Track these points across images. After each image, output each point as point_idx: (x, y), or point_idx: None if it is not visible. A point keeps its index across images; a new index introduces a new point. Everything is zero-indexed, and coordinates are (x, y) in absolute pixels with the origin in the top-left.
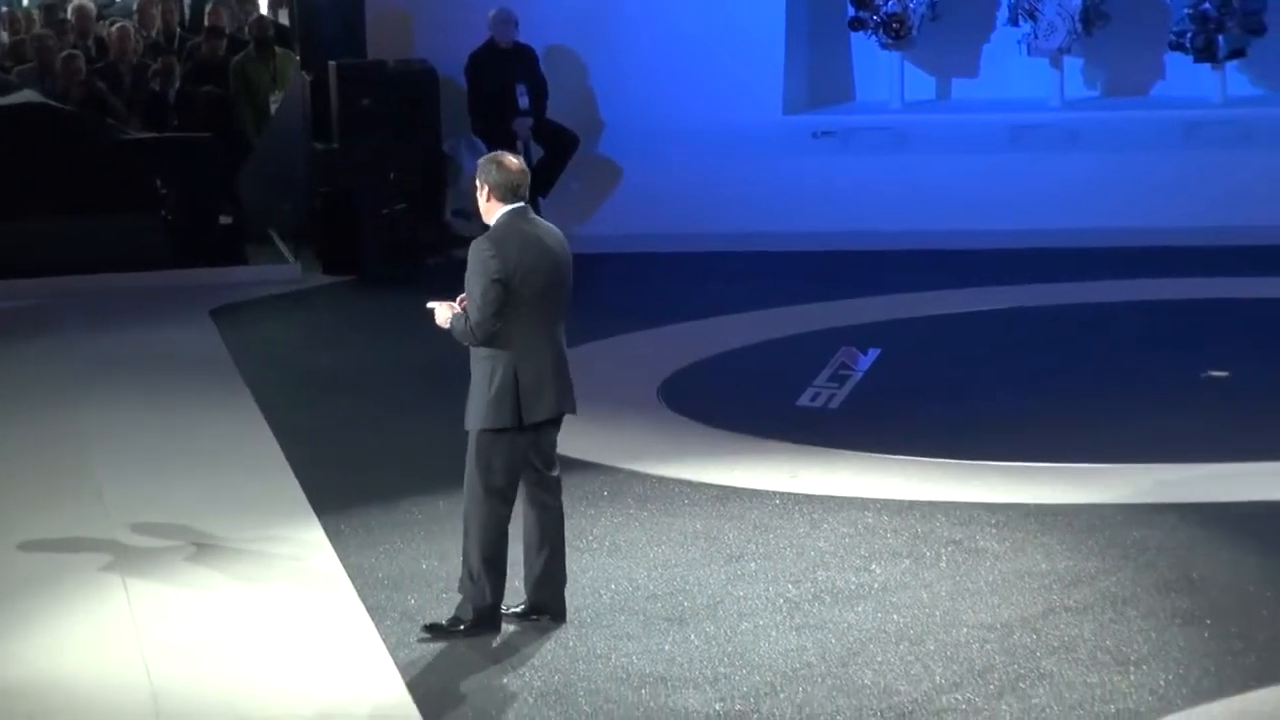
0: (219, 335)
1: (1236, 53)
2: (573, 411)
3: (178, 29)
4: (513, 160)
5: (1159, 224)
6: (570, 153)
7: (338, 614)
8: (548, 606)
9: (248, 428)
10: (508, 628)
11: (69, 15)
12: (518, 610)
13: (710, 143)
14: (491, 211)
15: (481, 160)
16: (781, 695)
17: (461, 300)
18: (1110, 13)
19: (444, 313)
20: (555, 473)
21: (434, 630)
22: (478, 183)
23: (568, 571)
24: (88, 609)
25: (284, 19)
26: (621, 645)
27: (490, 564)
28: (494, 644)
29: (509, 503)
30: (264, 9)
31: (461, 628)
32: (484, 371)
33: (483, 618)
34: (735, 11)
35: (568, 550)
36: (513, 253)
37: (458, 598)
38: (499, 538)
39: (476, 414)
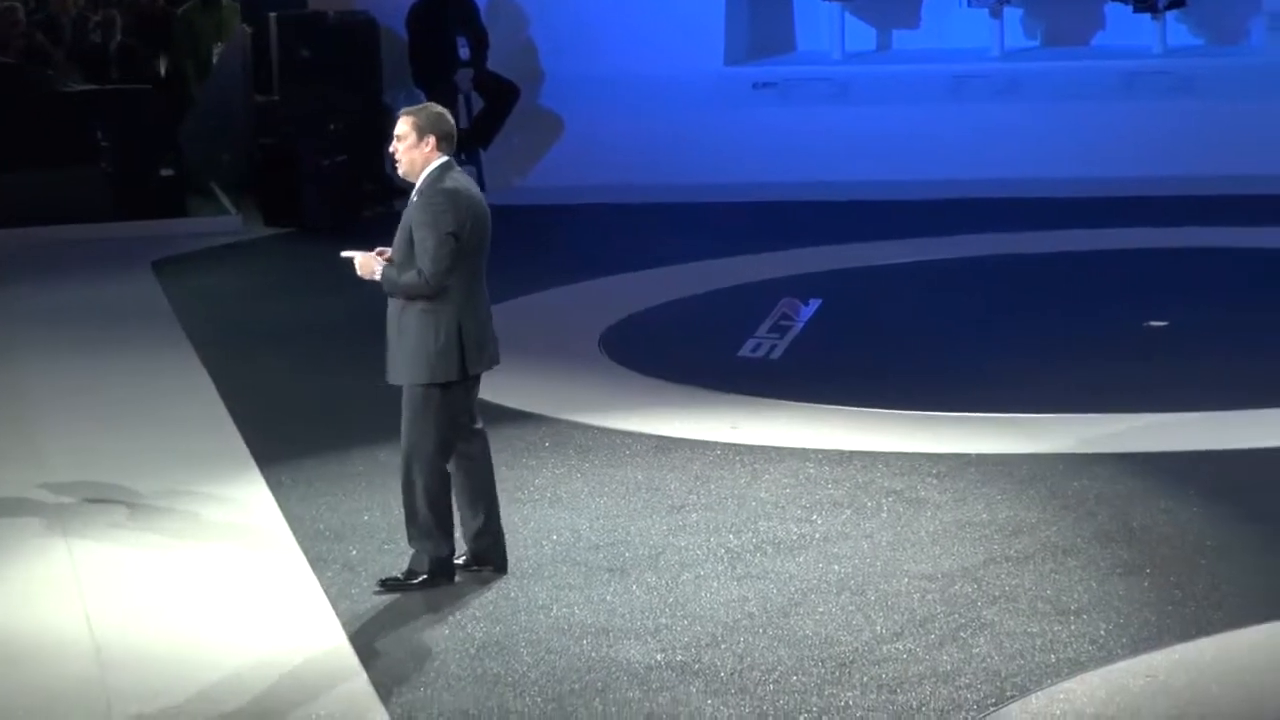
0: (160, 287)
1: (1175, 3)
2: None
3: None
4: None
5: (1099, 174)
6: (511, 104)
7: (279, 566)
8: (490, 558)
9: (189, 380)
10: None
11: None
12: (458, 562)
13: (651, 94)
14: (428, 161)
15: (421, 110)
16: (723, 646)
17: (381, 252)
18: None
19: (369, 264)
20: (480, 425)
21: (389, 584)
22: (413, 131)
23: (510, 523)
24: (29, 563)
25: None
26: (563, 596)
27: (440, 516)
28: (436, 596)
29: (450, 455)
30: None
31: (416, 581)
32: (425, 324)
33: (438, 570)
34: None
35: (510, 502)
36: (463, 206)
37: (400, 549)
38: (445, 489)
39: (419, 368)
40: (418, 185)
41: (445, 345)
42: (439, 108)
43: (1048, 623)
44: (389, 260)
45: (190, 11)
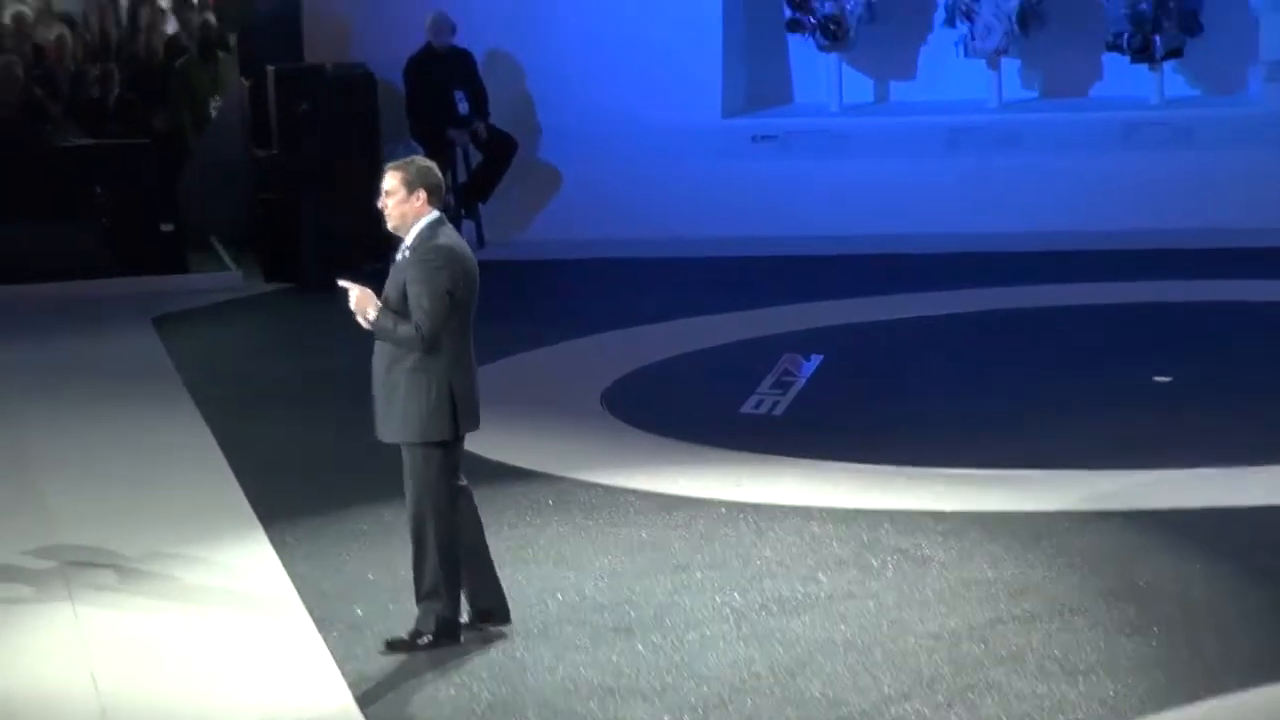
0: (161, 343)
1: (1173, 53)
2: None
3: (114, 31)
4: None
5: (1098, 226)
6: (509, 158)
7: (284, 626)
8: (494, 612)
9: (191, 437)
10: None
11: (7, 21)
12: (464, 622)
13: (649, 147)
14: (418, 215)
15: (409, 163)
16: (730, 707)
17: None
18: (1047, 13)
19: (365, 303)
20: (464, 481)
21: (395, 645)
22: (402, 186)
23: (514, 582)
24: (34, 624)
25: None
26: (569, 656)
27: (450, 575)
28: (442, 656)
29: (455, 510)
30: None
31: (422, 641)
32: (416, 382)
33: (444, 630)
34: (672, 14)
35: (514, 560)
36: (457, 263)
37: (406, 609)
38: (454, 547)
39: (413, 427)
40: (409, 240)
41: (437, 404)
42: (426, 160)
43: (1056, 683)
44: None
45: (187, 65)
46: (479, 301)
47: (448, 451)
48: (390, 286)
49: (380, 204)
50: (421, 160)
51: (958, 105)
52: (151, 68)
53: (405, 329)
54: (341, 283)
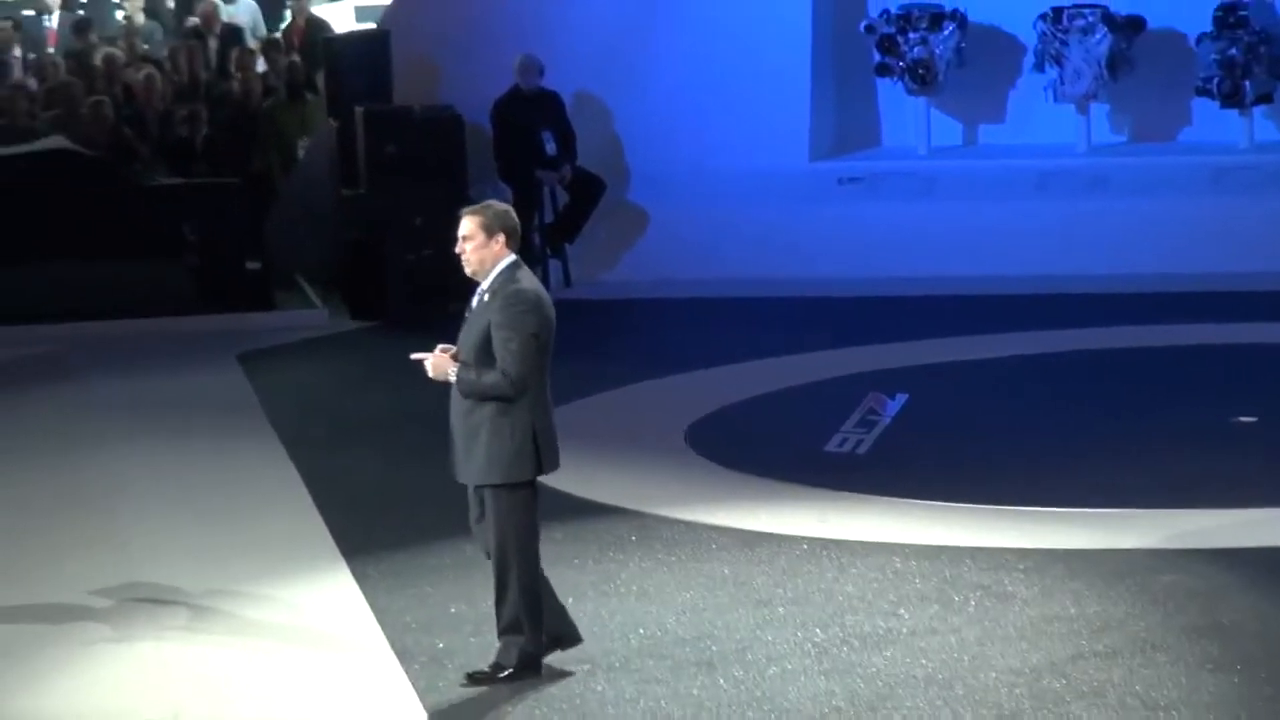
0: (246, 380)
1: (1263, 98)
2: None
3: (203, 74)
4: None
5: (1187, 269)
6: (596, 199)
7: (366, 658)
8: (564, 635)
9: (275, 472)
10: None
11: (98, 62)
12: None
13: (736, 189)
14: (497, 259)
15: (486, 208)
16: None
17: (445, 349)
18: (1136, 58)
19: (442, 366)
20: None
21: (476, 677)
22: (481, 231)
23: (597, 616)
24: (117, 654)
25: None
26: (650, 690)
27: (533, 610)
28: (522, 688)
29: (537, 548)
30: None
31: (504, 674)
32: (499, 425)
33: (526, 663)
34: (761, 58)
35: (597, 595)
36: (542, 307)
37: (487, 641)
38: (537, 583)
39: (498, 469)
40: (488, 284)
41: (521, 445)
42: (503, 204)
43: (1137, 719)
44: (454, 357)
45: (275, 107)
46: (560, 340)
47: (530, 491)
48: (469, 332)
49: (458, 249)
50: (498, 204)
51: (1046, 149)
52: (243, 109)
53: (490, 378)
54: (414, 356)
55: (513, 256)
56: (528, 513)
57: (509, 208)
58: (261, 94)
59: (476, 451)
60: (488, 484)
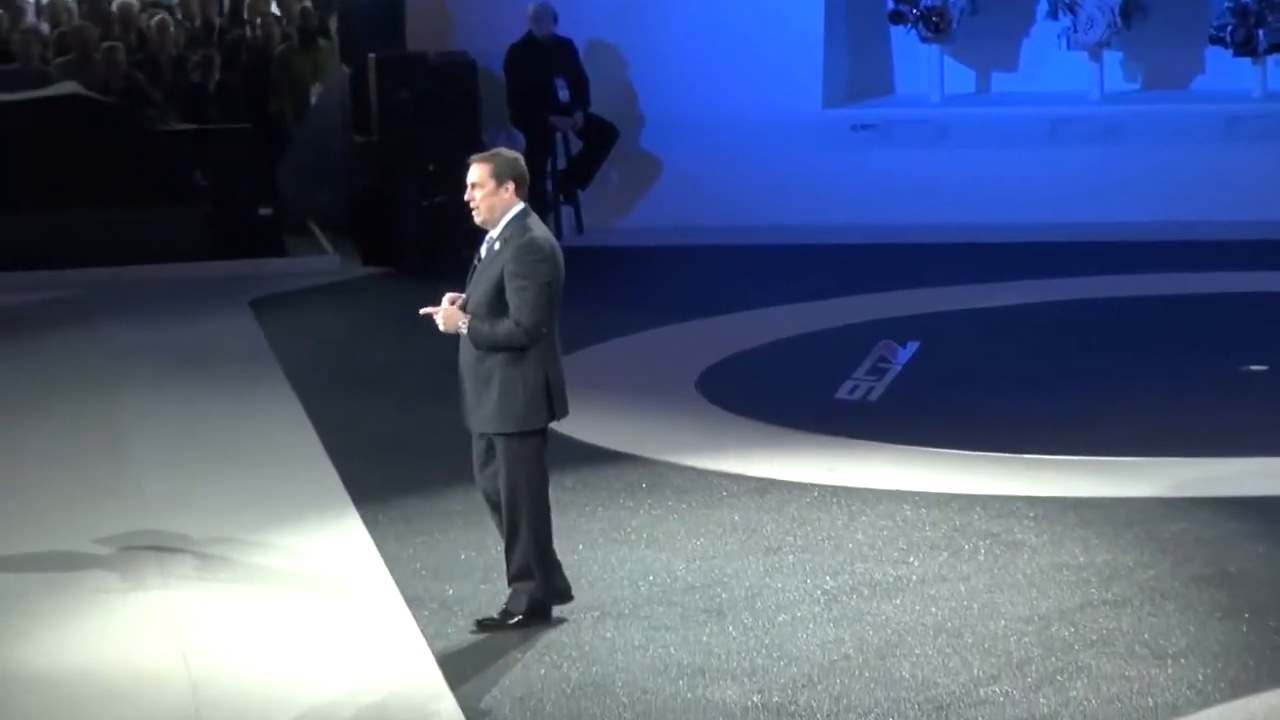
0: (258, 326)
1: (1276, 46)
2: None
3: (216, 20)
4: None
5: (1200, 218)
6: (609, 146)
7: (376, 604)
8: (562, 592)
9: (287, 419)
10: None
11: (112, 8)
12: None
13: (749, 136)
14: (507, 207)
15: (495, 155)
16: (819, 687)
17: (453, 299)
18: (1150, 6)
19: (453, 318)
20: None
21: (486, 624)
22: (491, 178)
23: (607, 563)
24: (126, 601)
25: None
26: (659, 637)
27: (544, 557)
28: (532, 635)
29: (547, 495)
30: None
31: (513, 621)
32: (512, 373)
33: (535, 610)
34: (775, 4)
35: (607, 542)
36: (555, 256)
37: (497, 588)
38: (548, 531)
39: (508, 417)
40: (499, 232)
41: (534, 393)
42: (512, 152)
43: (1145, 666)
44: (461, 307)
45: (287, 53)
46: (571, 287)
47: (542, 439)
48: (480, 280)
49: (467, 196)
50: (508, 152)
51: (1059, 97)
52: (258, 55)
53: (504, 328)
54: (423, 311)
55: (522, 204)
56: (538, 460)
57: (518, 155)
58: (279, 39)
59: (488, 400)
60: (500, 432)
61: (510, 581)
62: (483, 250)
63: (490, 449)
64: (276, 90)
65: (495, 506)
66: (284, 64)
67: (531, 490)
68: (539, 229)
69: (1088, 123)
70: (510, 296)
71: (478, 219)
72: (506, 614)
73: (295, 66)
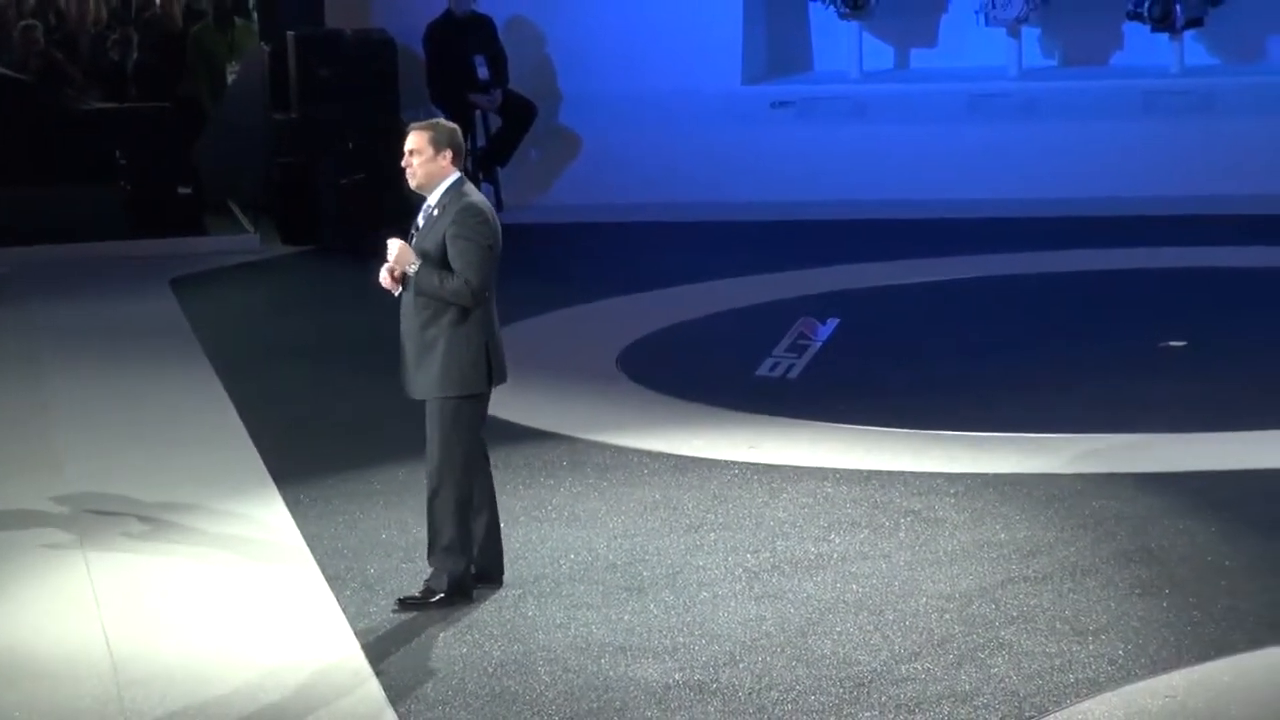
0: (178, 305)
1: (1194, 22)
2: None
3: None
4: None
5: (1117, 193)
6: (529, 123)
7: (297, 583)
8: (490, 573)
9: (207, 398)
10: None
11: None
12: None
13: (668, 113)
14: (443, 175)
15: (434, 124)
16: (741, 665)
17: (391, 271)
18: None
19: (406, 255)
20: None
21: (407, 603)
22: (430, 145)
23: (528, 541)
24: (47, 579)
25: None
26: (581, 615)
27: (464, 532)
28: (453, 613)
29: (477, 467)
30: None
31: (435, 599)
32: (455, 337)
33: (456, 588)
34: None
35: (528, 520)
36: (495, 220)
37: (418, 567)
38: (469, 504)
39: (450, 381)
40: (434, 199)
41: (475, 357)
42: (450, 123)
43: (1066, 643)
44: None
45: (202, 31)
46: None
47: (478, 405)
48: (423, 243)
49: (405, 163)
50: (446, 122)
51: (978, 73)
52: (170, 33)
53: (453, 283)
54: (390, 241)
55: (458, 174)
56: (472, 427)
57: (456, 127)
58: (183, 18)
59: (431, 365)
60: (443, 396)
61: (431, 557)
62: (419, 220)
63: None
64: (192, 69)
65: None
66: (198, 42)
67: (463, 459)
68: (476, 196)
69: (1006, 98)
70: (454, 259)
71: (413, 184)
72: (428, 592)
73: (209, 45)
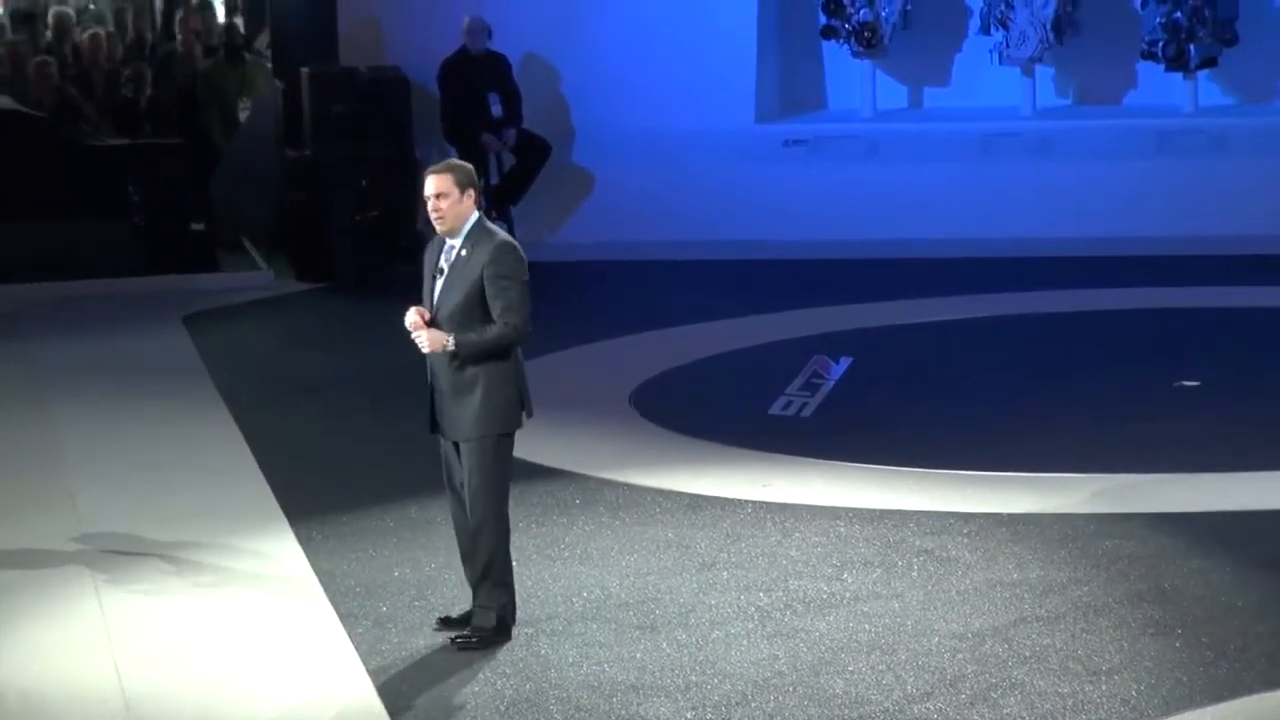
0: (191, 342)
1: (1208, 62)
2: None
3: (149, 35)
4: None
5: (1131, 233)
6: (542, 161)
7: (310, 621)
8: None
9: (220, 434)
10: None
11: (48, 21)
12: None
13: (682, 151)
14: (468, 215)
15: (457, 166)
16: (753, 704)
17: (420, 313)
18: (1082, 21)
19: (439, 338)
20: None
21: (459, 642)
22: (456, 188)
23: (540, 579)
24: (60, 616)
25: (240, 27)
26: (593, 653)
27: (509, 566)
28: (465, 650)
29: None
30: (220, 17)
31: (483, 636)
32: (492, 376)
33: (504, 623)
34: (707, 20)
35: (540, 558)
36: (525, 256)
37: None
38: (509, 537)
39: (491, 420)
40: (461, 240)
41: (512, 395)
42: (463, 162)
43: (1079, 683)
44: (429, 320)
45: (213, 68)
46: None
47: (512, 441)
48: (453, 287)
49: (432, 208)
50: (460, 162)
51: (991, 112)
52: (184, 69)
53: (495, 331)
54: (412, 328)
55: (478, 212)
56: (510, 463)
57: (471, 166)
58: (201, 54)
59: (468, 406)
60: (479, 436)
61: (475, 584)
62: (442, 259)
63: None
64: (203, 105)
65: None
66: (209, 79)
67: (501, 494)
68: (501, 232)
69: (1020, 138)
70: (495, 297)
71: (441, 229)
72: (478, 629)
73: (220, 82)
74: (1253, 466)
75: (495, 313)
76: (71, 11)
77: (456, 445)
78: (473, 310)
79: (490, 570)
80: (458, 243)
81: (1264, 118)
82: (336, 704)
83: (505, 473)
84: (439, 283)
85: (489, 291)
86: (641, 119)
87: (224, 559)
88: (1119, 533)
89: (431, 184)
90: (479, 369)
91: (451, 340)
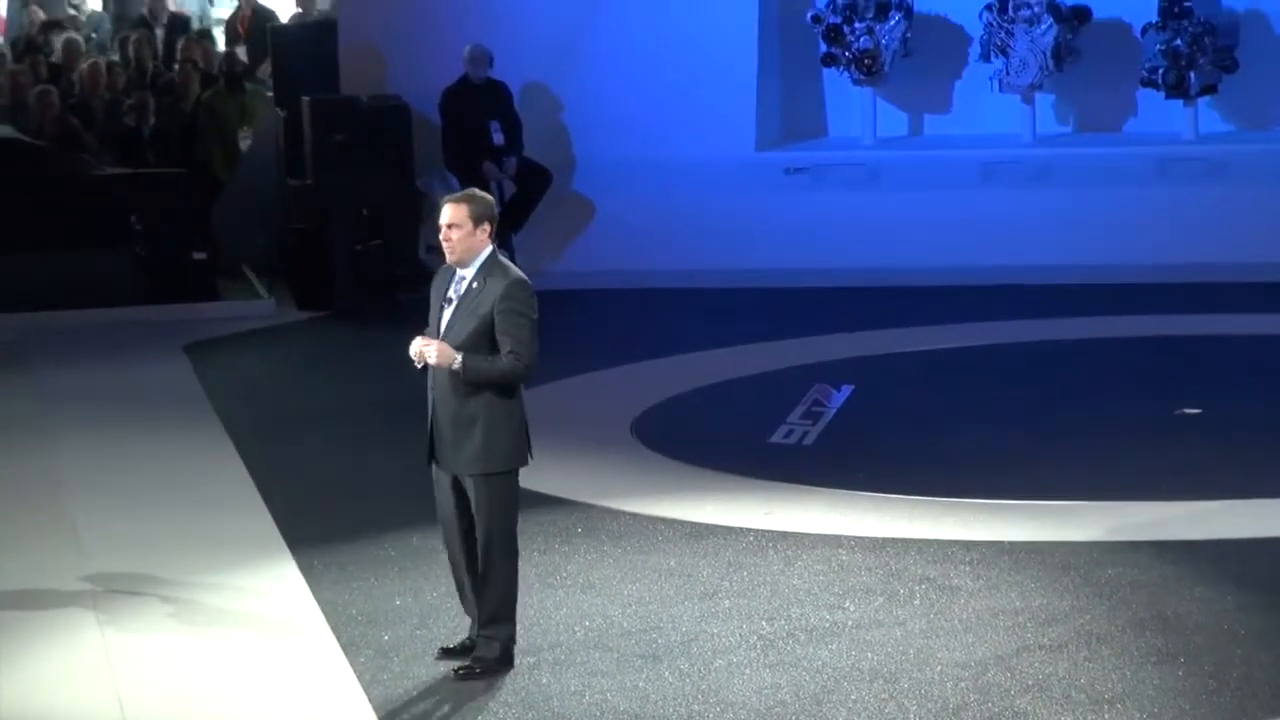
0: (193, 371)
1: (1208, 89)
2: None
3: (150, 64)
4: None
5: (1131, 260)
6: (543, 189)
7: (311, 650)
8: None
9: (221, 464)
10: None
11: (56, 47)
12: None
13: (683, 179)
14: (481, 248)
15: (475, 197)
16: None
17: (427, 341)
18: (1082, 49)
19: (447, 352)
20: None
21: (461, 673)
22: (469, 220)
23: (542, 608)
24: (62, 646)
25: (241, 55)
26: (595, 682)
27: (515, 599)
28: (468, 680)
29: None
30: (221, 46)
31: (486, 667)
32: (497, 413)
33: (507, 654)
34: (708, 48)
35: (542, 587)
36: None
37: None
38: (516, 573)
39: (496, 457)
40: (473, 272)
41: (518, 431)
42: (485, 194)
43: (1082, 712)
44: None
45: (213, 96)
46: None
47: (517, 477)
48: (463, 318)
49: (443, 237)
50: (482, 194)
51: (992, 140)
52: (184, 99)
53: (503, 363)
54: (426, 348)
55: (493, 246)
56: (516, 501)
57: (492, 199)
58: (199, 84)
59: (472, 440)
60: (489, 472)
61: (483, 624)
62: (451, 289)
63: (462, 491)
64: (203, 134)
65: (465, 551)
66: (209, 108)
67: (509, 531)
68: (515, 268)
69: (1020, 165)
70: (506, 332)
71: (451, 259)
72: (480, 660)
73: (221, 110)
74: (1255, 494)
75: (504, 348)
76: (81, 39)
77: (455, 479)
78: (480, 343)
79: (500, 607)
80: (469, 274)
81: (1264, 144)
82: None
83: (511, 508)
84: (447, 312)
85: (499, 326)
86: (642, 147)
87: (225, 588)
88: (1121, 560)
89: (447, 213)
90: (481, 405)
91: (459, 359)
